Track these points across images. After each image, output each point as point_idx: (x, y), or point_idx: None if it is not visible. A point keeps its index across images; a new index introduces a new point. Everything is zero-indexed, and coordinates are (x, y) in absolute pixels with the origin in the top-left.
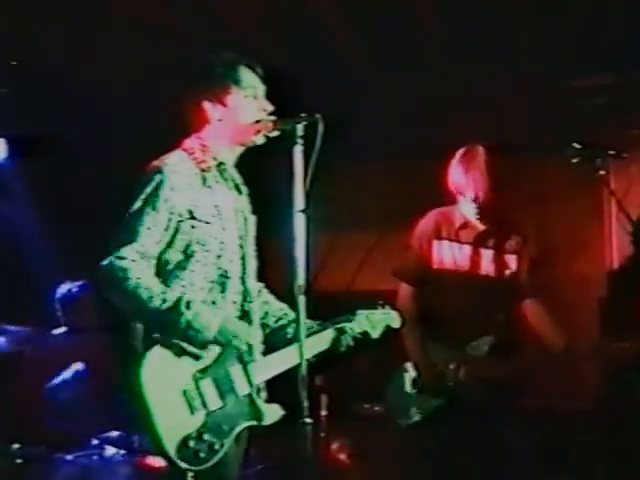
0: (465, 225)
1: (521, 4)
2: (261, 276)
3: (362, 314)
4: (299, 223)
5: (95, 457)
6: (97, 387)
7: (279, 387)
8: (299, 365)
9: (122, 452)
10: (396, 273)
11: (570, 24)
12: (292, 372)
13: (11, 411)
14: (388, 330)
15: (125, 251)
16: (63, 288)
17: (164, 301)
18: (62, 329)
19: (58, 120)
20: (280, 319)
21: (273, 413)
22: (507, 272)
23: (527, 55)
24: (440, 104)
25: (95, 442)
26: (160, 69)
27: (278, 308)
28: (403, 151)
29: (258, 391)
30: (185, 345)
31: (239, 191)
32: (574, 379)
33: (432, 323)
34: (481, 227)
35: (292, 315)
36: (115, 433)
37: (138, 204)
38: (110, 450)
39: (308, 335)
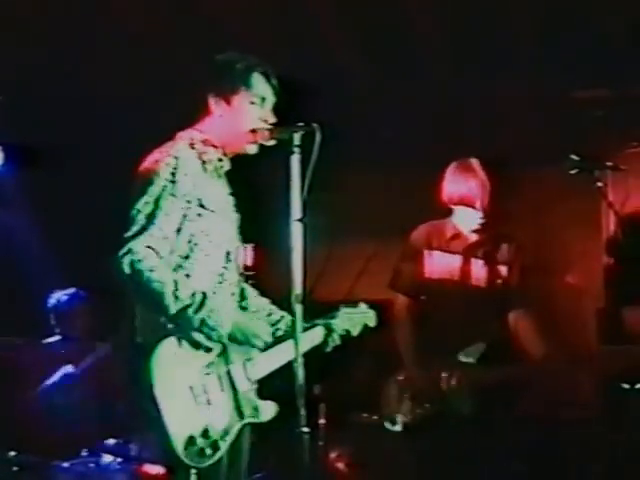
0: (456, 236)
1: (520, 16)
2: (258, 283)
3: (344, 313)
4: (296, 232)
5: (92, 465)
6: (92, 394)
7: (278, 395)
8: (296, 374)
9: (119, 460)
10: (391, 285)
11: (570, 36)
12: (290, 379)
13: (7, 419)
14: (365, 329)
15: (140, 240)
16: (56, 296)
17: (177, 299)
18: (56, 337)
19: (55, 129)
20: (270, 314)
21: (269, 409)
22: (498, 281)
23: (526, 67)
24: (439, 116)
25: (91, 450)
26: (161, 75)
27: (265, 302)
28: (401, 161)
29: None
30: (199, 338)
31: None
32: (566, 389)
33: (426, 331)
34: (472, 238)
35: (279, 315)
36: (112, 441)
37: (156, 189)
38: (107, 458)
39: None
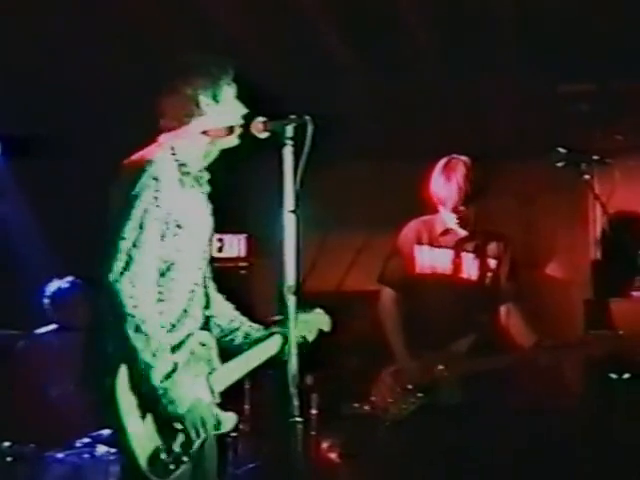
0: (446, 232)
1: (507, 12)
2: (248, 276)
3: (299, 318)
4: (289, 223)
5: (86, 455)
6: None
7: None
8: (288, 363)
9: (113, 450)
10: (380, 280)
11: (555, 31)
12: (282, 371)
13: (2, 409)
14: (320, 333)
15: (131, 276)
16: (53, 285)
17: (153, 357)
18: (52, 326)
19: (50, 119)
20: (232, 321)
21: (229, 421)
22: (488, 275)
23: (513, 62)
24: (429, 109)
25: (86, 440)
26: (152, 67)
27: (229, 309)
28: (392, 153)
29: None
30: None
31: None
32: (555, 379)
33: (415, 325)
34: (462, 233)
35: (239, 322)
36: (106, 431)
37: (139, 212)
38: (101, 448)
39: (256, 342)
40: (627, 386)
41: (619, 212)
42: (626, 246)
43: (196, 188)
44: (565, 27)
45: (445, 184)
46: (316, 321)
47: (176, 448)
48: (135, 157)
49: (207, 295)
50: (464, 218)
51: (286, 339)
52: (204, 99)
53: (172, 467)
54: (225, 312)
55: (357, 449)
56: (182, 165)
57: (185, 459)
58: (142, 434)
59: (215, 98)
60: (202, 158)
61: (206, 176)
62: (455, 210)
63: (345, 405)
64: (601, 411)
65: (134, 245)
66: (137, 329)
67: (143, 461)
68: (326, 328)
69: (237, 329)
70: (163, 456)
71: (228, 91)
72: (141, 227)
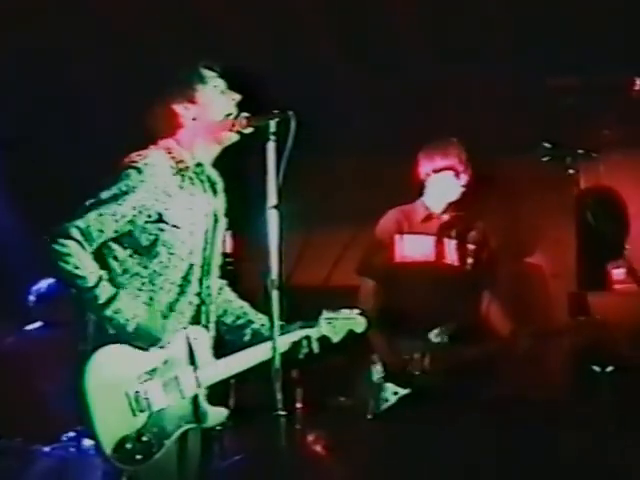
0: (428, 217)
1: (493, 5)
2: (234, 271)
3: (324, 320)
4: (272, 218)
5: (72, 449)
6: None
7: (253, 381)
8: (273, 358)
9: None
10: (359, 271)
11: (541, 24)
12: (266, 365)
13: None
14: (351, 335)
15: (72, 229)
16: (38, 284)
17: (94, 292)
18: (38, 324)
19: (29, 121)
20: (239, 318)
21: (217, 415)
22: (469, 261)
23: (498, 55)
24: (413, 103)
25: (72, 434)
26: (131, 70)
27: (238, 306)
28: (378, 148)
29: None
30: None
31: (214, 192)
32: (537, 372)
33: (395, 315)
34: (445, 217)
35: (251, 315)
36: None
37: (105, 194)
38: (87, 442)
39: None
40: (610, 379)
41: (603, 205)
42: (610, 239)
43: (197, 186)
44: (551, 19)
45: (447, 151)
46: (345, 323)
47: (145, 438)
48: (131, 155)
49: (204, 290)
50: (469, 187)
51: (302, 338)
52: (178, 104)
53: (139, 457)
54: (231, 311)
55: (341, 442)
56: (179, 161)
57: (154, 450)
58: (109, 422)
59: (191, 100)
60: (200, 157)
61: (207, 170)
62: (464, 175)
63: (330, 398)
64: (584, 404)
65: (88, 209)
66: (75, 269)
67: (108, 448)
68: (359, 330)
69: (244, 326)
70: (129, 445)
71: (204, 90)
72: (102, 204)
